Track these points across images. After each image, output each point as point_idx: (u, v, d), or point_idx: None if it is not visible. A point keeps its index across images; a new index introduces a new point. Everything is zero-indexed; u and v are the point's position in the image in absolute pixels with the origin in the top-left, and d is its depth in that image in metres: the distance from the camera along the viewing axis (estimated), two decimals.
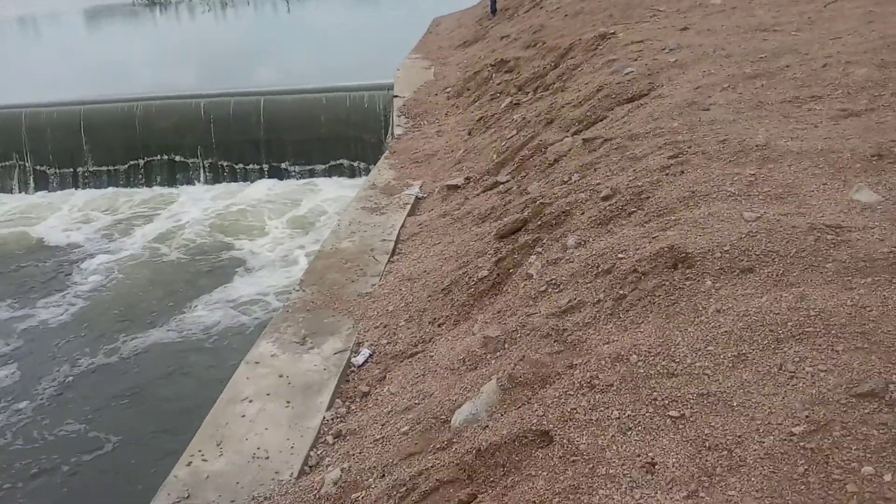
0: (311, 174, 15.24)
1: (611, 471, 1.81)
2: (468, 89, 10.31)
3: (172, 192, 15.04)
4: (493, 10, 14.97)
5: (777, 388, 1.84)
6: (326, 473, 2.88)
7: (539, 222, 4.02)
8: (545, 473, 1.94)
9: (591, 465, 1.86)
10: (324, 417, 3.41)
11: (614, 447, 1.89)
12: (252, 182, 15.29)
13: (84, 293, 8.96)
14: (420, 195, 6.67)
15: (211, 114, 15.16)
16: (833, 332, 1.94)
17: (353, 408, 3.47)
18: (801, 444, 1.62)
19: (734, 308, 2.20)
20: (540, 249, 3.71)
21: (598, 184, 3.98)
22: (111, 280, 9.40)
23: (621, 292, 2.66)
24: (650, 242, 2.85)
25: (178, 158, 15.34)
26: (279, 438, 3.27)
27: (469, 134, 8.13)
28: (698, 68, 5.68)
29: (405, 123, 9.53)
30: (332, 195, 14.77)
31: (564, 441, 2.02)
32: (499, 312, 3.44)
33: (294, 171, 15.30)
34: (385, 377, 3.61)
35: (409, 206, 6.34)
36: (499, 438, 2.23)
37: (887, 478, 1.48)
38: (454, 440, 2.56)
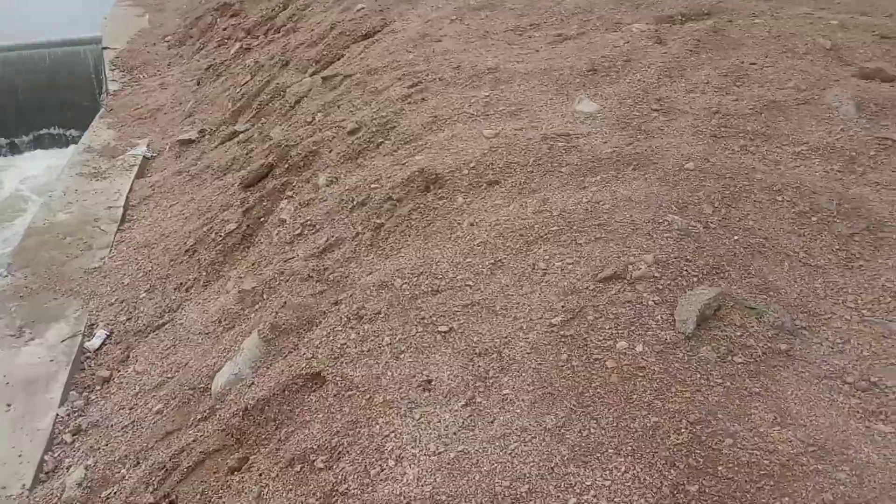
0: (12, 149, 12.97)
1: (388, 397, 1.72)
2: (191, 37, 9.41)
3: None
4: None
5: (533, 286, 1.89)
6: (67, 476, 2.44)
7: (286, 165, 3.77)
8: (321, 416, 1.80)
9: (367, 396, 1.76)
10: (57, 415, 2.89)
11: (389, 373, 1.81)
12: None
13: None
14: (148, 154, 5.96)
15: None
16: (574, 227, 2.04)
17: (94, 397, 2.99)
18: (561, 332, 1.68)
19: (486, 219, 2.23)
20: (291, 193, 3.49)
21: (343, 120, 3.83)
22: None
23: (378, 221, 2.58)
24: (401, 169, 2.79)
25: None
26: (2, 448, 2.70)
27: (198, 84, 7.44)
28: (427, 3, 5.73)
29: (121, 78, 8.43)
30: (36, 172, 12.69)
31: (337, 378, 1.89)
32: (254, 265, 3.17)
33: None
34: (129, 356, 3.16)
35: (136, 168, 5.62)
36: (267, 392, 2.04)
37: (639, 348, 1.59)
38: (217, 406, 2.30)
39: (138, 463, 2.33)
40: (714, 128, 2.57)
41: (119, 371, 3.09)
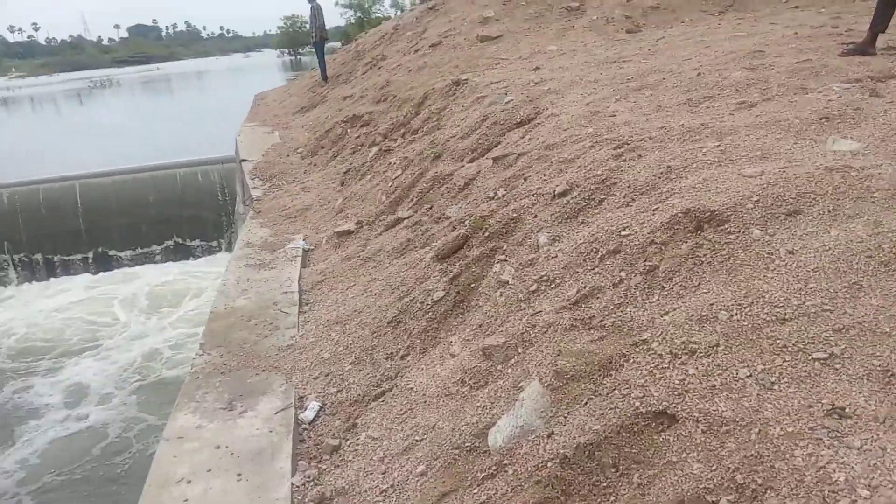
0: (145, 259, 13.84)
1: (789, 429, 1.49)
2: (322, 147, 9.94)
3: None
4: (325, 77, 14.89)
5: None
6: None
7: (485, 234, 3.72)
8: (696, 454, 1.58)
9: (757, 430, 1.53)
10: (292, 484, 2.75)
11: (770, 405, 1.58)
12: (72, 275, 13.54)
13: None
14: (306, 247, 6.11)
15: (17, 204, 13.33)
16: None
17: (326, 466, 2.84)
18: None
19: (808, 246, 2.04)
20: (502, 257, 3.40)
21: (539, 188, 3.79)
22: None
23: (648, 264, 2.42)
24: (653, 215, 2.66)
25: None
26: None
27: (342, 185, 7.73)
28: (575, 92, 5.83)
29: (262, 185, 8.89)
30: (169, 278, 13.47)
31: (695, 415, 1.67)
32: (481, 326, 3.04)
33: (124, 257, 13.77)
34: (355, 425, 3.03)
35: (299, 259, 5.76)
36: (593, 437, 1.83)
37: None
38: (506, 462, 2.10)
39: None
40: None
41: (348, 439, 2.95)
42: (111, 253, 13.68)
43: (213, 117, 27.09)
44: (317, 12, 14.13)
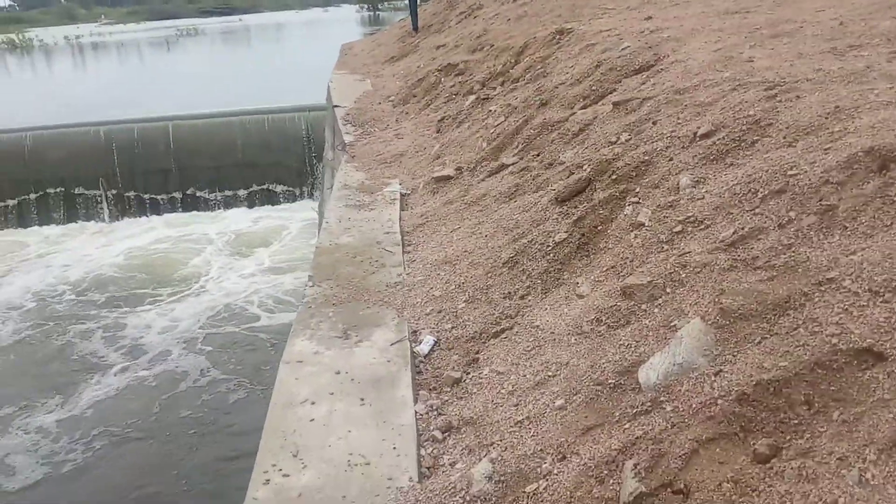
0: (231, 202, 14.17)
1: None
2: (415, 96, 9.84)
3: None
4: (416, 28, 14.72)
5: None
6: (472, 468, 2.20)
7: (613, 177, 3.55)
8: None
9: None
10: (416, 412, 2.71)
11: None
12: (161, 214, 14.06)
13: None
14: (403, 191, 6.06)
15: (113, 142, 13.79)
16: None
17: (448, 398, 2.80)
18: None
19: None
20: (635, 199, 3.23)
21: (673, 131, 3.58)
22: None
23: (824, 204, 2.22)
24: (826, 154, 2.44)
25: (77, 191, 13.77)
26: (372, 440, 2.54)
27: (438, 132, 7.63)
28: (699, 39, 5.48)
29: (354, 131, 8.89)
30: (252, 222, 13.75)
31: None
32: (613, 267, 2.90)
33: (213, 199, 14.14)
34: (476, 360, 2.96)
35: (397, 202, 5.72)
36: (779, 373, 1.69)
37: None
38: (662, 399, 1.98)
39: (564, 457, 2.05)
40: None
41: (470, 373, 2.89)
42: (198, 194, 14.05)
43: (297, 67, 27.41)
44: None
